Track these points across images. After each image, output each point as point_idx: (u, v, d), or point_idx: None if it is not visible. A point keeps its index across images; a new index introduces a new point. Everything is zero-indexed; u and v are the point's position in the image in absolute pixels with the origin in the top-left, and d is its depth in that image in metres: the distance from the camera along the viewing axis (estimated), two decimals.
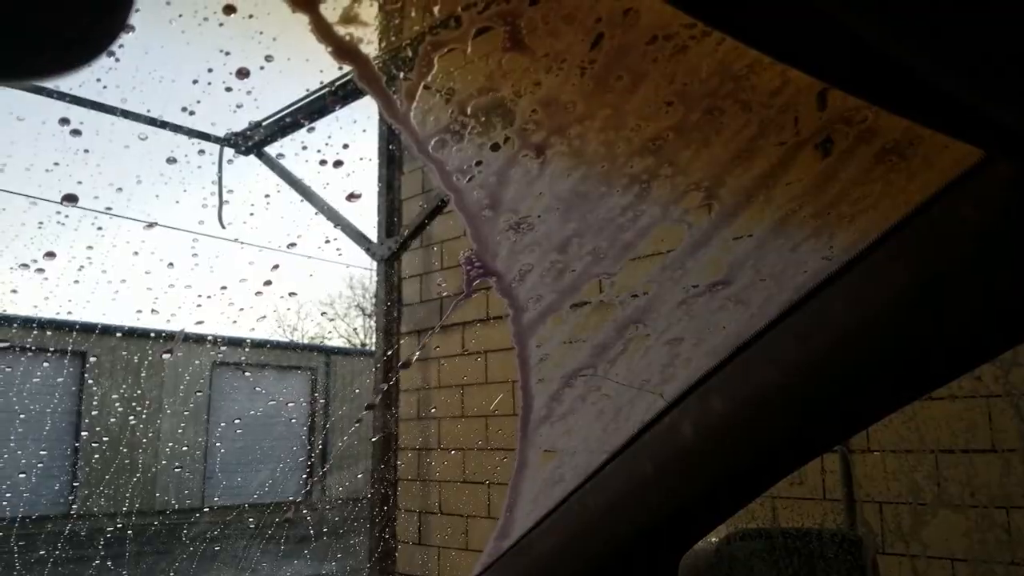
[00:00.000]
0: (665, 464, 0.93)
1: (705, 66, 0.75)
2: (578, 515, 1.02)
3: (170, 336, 13.75)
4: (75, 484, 11.63)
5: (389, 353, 3.86)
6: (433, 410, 3.81)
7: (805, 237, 0.90)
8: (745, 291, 0.92)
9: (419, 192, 3.93)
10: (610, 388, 0.93)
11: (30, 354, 10.74)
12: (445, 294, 3.85)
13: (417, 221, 3.80)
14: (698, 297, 0.92)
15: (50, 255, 2.44)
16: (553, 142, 0.79)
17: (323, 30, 0.59)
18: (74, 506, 11.29)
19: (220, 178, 4.43)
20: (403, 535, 3.75)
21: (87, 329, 11.83)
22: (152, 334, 13.33)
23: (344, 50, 0.60)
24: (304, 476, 14.51)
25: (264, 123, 4.27)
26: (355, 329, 24.26)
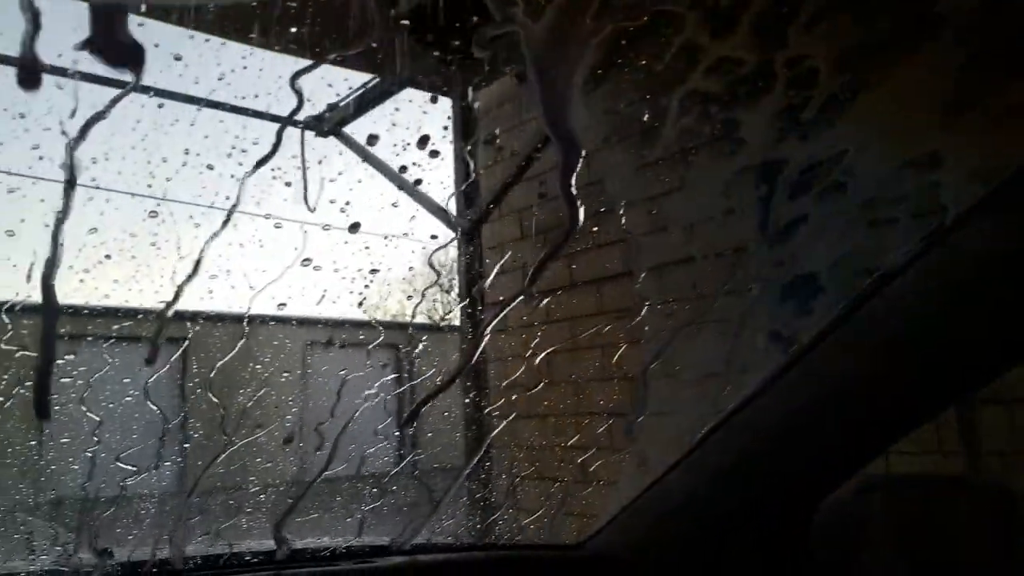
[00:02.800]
0: (795, 416, 0.89)
1: None
2: (711, 466, 1.00)
3: (264, 319, 14.32)
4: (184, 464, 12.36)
5: (474, 323, 3.89)
6: (522, 377, 3.82)
7: None
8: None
9: (497, 161, 3.92)
10: (742, 340, 0.90)
11: (139, 343, 11.37)
12: (528, 263, 3.84)
13: (496, 190, 3.79)
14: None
15: (153, 245, 2.55)
16: None
17: None
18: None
19: (303, 161, 4.52)
20: (499, 500, 3.80)
21: (186, 317, 12.43)
22: (246, 318, 13.89)
23: None
24: (397, 447, 14.96)
25: (340, 103, 4.32)
26: (434, 305, 24.70)
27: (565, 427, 3.25)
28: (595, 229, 3.45)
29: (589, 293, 3.68)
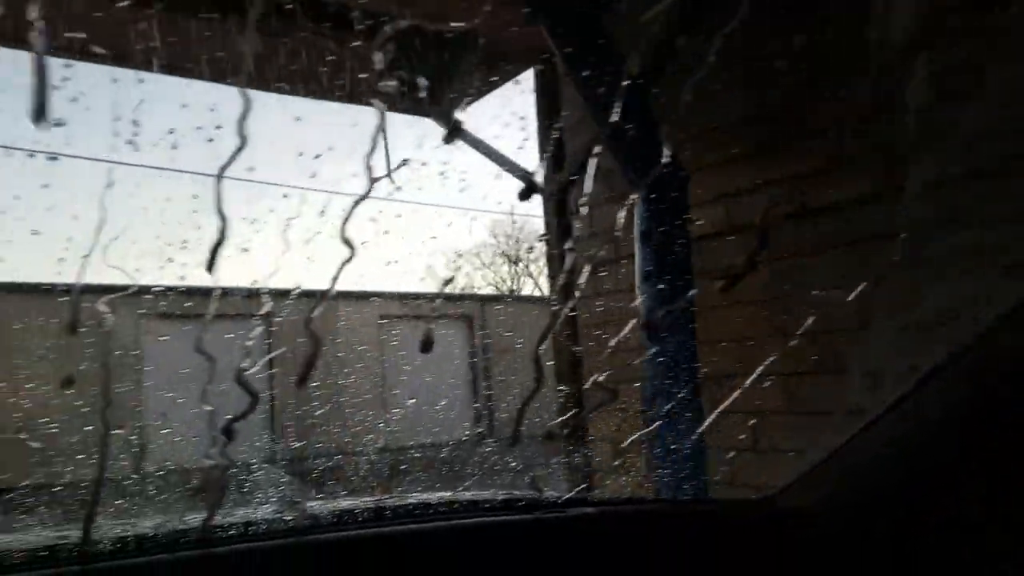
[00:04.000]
0: (983, 390, 0.83)
1: None
2: (892, 434, 0.94)
3: (338, 294, 14.68)
4: (273, 436, 12.86)
5: (564, 289, 3.84)
6: (612, 342, 3.77)
7: None
8: None
9: (582, 122, 3.83)
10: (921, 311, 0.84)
11: (230, 320, 11.90)
12: (616, 228, 3.76)
13: (583, 154, 3.71)
14: None
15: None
16: None
17: None
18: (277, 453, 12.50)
19: (384, 136, 4.52)
20: (598, 466, 3.80)
21: (270, 293, 12.89)
22: (320, 293, 14.30)
23: None
24: (474, 417, 15.21)
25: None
26: (501, 276, 24.80)
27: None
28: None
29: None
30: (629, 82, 3.16)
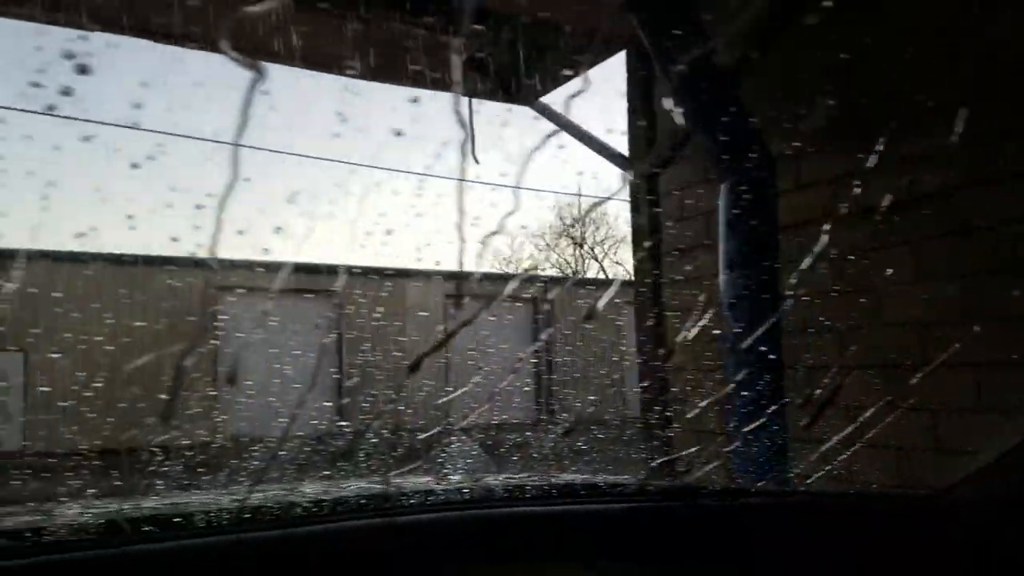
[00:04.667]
0: None
1: None
2: None
3: (405, 273, 14.97)
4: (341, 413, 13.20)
5: (654, 272, 3.82)
6: (697, 327, 3.73)
7: None
8: None
9: (671, 108, 3.78)
10: None
11: (301, 295, 12.34)
12: (711, 209, 3.71)
13: (672, 139, 3.66)
14: None
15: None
16: None
17: None
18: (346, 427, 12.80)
19: (470, 115, 4.56)
20: (680, 448, 3.78)
21: (336, 271, 13.31)
22: (389, 271, 14.66)
23: None
24: (536, 398, 15.28)
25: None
26: (566, 258, 24.73)
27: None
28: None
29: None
30: (719, 68, 3.11)
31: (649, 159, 3.81)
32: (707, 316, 3.44)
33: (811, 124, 3.20)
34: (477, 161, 4.78)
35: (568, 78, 4.22)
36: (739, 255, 2.94)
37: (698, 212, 3.76)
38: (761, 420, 2.50)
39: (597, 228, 24.03)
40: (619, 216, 24.19)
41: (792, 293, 3.00)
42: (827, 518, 0.94)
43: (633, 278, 4.24)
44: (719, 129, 3.04)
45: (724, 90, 3.07)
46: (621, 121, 4.10)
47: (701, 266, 3.81)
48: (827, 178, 3.31)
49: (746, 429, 2.51)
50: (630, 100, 4.04)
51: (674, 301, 3.86)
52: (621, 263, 24.53)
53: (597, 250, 24.30)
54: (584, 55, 4.08)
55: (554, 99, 4.41)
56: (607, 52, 4.11)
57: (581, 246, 24.14)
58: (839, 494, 1.02)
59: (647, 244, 3.94)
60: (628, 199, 4.16)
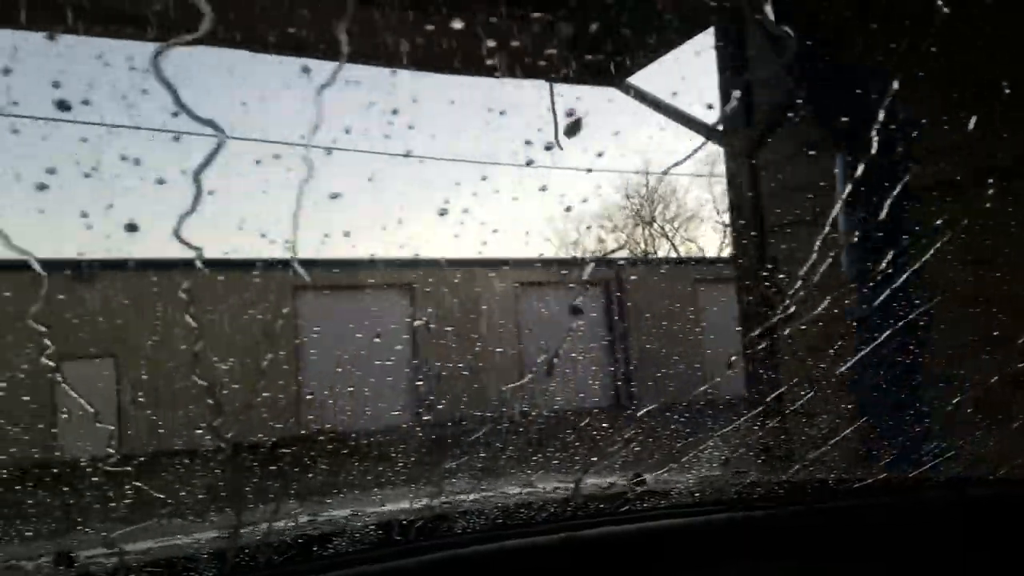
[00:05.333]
0: None
1: None
2: None
3: (479, 263, 15.03)
4: (423, 402, 13.39)
5: (756, 251, 3.69)
6: (812, 310, 3.57)
7: None
8: None
9: (771, 78, 3.62)
10: None
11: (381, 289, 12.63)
12: (813, 184, 3.54)
13: (774, 110, 3.51)
14: None
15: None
16: None
17: None
18: (425, 416, 12.99)
19: (552, 99, 4.50)
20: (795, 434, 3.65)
21: (413, 264, 13.52)
22: (462, 262, 14.75)
23: None
24: (615, 382, 15.17)
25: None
26: (636, 239, 24.39)
27: None
28: None
29: None
30: (827, 36, 2.96)
31: (748, 132, 3.67)
32: (825, 295, 3.29)
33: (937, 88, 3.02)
34: (561, 147, 4.71)
35: (654, 57, 4.12)
36: (861, 229, 2.80)
37: (805, 185, 3.61)
38: (910, 405, 2.37)
39: (666, 206, 23.60)
40: (689, 191, 23.69)
41: (924, 270, 2.84)
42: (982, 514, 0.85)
43: (732, 256, 4.10)
44: (832, 99, 2.90)
45: (832, 59, 2.93)
46: (711, 97, 3.97)
47: (806, 242, 3.66)
48: (957, 144, 3.11)
49: (892, 415, 2.39)
50: (721, 75, 3.90)
51: (778, 278, 3.72)
52: (693, 240, 24.05)
53: (668, 228, 23.87)
54: (671, 33, 3.96)
55: (641, 79, 4.30)
56: (694, 29, 3.98)
57: (649, 224, 23.74)
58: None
59: (743, 221, 3.81)
60: (720, 175, 4.02)
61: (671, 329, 15.14)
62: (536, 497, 0.86)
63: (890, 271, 2.85)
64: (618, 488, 0.93)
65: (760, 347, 3.80)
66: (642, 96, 4.15)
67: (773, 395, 3.56)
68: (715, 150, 4.08)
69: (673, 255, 22.53)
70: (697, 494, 0.85)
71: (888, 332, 2.79)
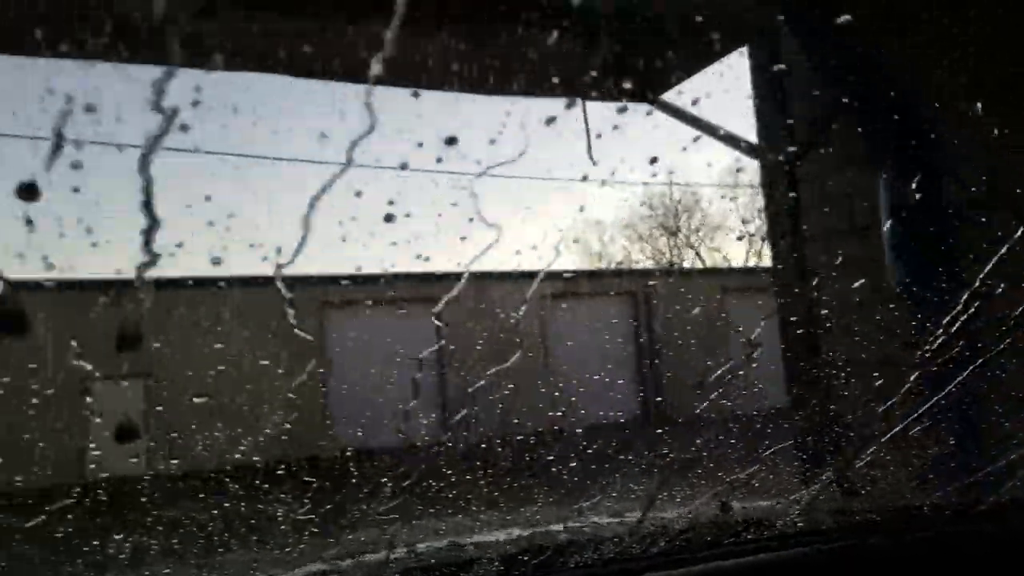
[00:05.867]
0: None
1: None
2: None
3: (502, 275, 14.98)
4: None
5: (793, 262, 3.68)
6: (854, 321, 3.56)
7: None
8: None
9: (809, 93, 3.63)
10: None
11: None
12: (851, 190, 3.54)
13: (814, 123, 3.52)
14: None
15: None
16: None
17: None
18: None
19: (585, 118, 4.53)
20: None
21: (438, 278, 13.52)
22: (496, 274, 14.68)
23: None
24: (645, 397, 15.05)
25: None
26: (660, 249, 24.29)
27: None
28: None
29: None
30: (869, 48, 2.95)
31: (789, 145, 3.68)
32: (870, 305, 3.28)
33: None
34: (594, 162, 4.74)
35: (688, 74, 4.14)
36: (908, 240, 2.80)
37: (845, 196, 3.60)
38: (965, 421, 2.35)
39: (690, 216, 23.49)
40: (712, 203, 23.57)
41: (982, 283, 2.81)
42: None
43: (772, 266, 4.10)
44: (874, 110, 2.90)
45: (875, 71, 2.93)
46: (747, 112, 3.99)
47: (849, 253, 3.64)
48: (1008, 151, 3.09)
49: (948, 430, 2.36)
50: (756, 89, 3.91)
51: (820, 290, 3.71)
52: (719, 250, 23.89)
53: (693, 239, 23.75)
54: (705, 50, 3.98)
55: (674, 95, 4.33)
56: (730, 46, 3.99)
57: (675, 235, 23.64)
58: None
59: (783, 231, 3.81)
60: (756, 187, 4.03)
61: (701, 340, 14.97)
62: (644, 529, 0.87)
63: (948, 285, 2.82)
64: (709, 516, 0.94)
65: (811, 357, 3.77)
66: (677, 113, 4.17)
67: (844, 415, 3.53)
68: (751, 163, 4.08)
69: (699, 265, 22.42)
70: (800, 524, 0.85)
71: (955, 349, 2.76)
